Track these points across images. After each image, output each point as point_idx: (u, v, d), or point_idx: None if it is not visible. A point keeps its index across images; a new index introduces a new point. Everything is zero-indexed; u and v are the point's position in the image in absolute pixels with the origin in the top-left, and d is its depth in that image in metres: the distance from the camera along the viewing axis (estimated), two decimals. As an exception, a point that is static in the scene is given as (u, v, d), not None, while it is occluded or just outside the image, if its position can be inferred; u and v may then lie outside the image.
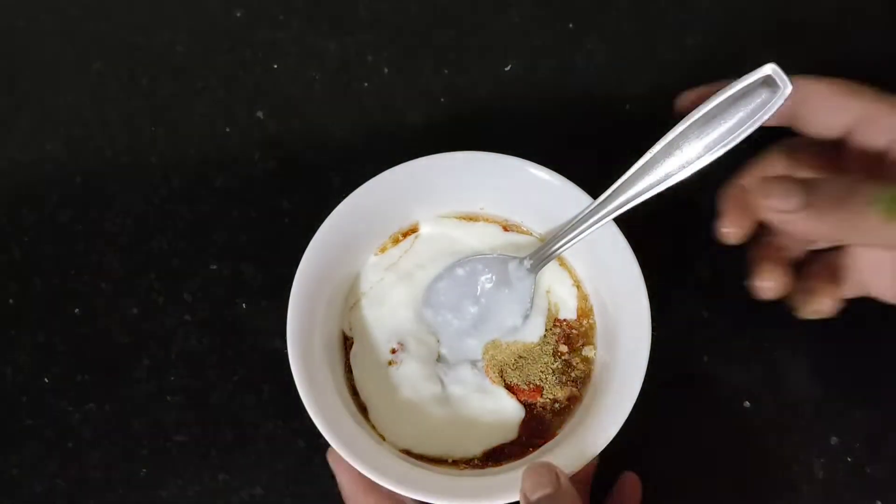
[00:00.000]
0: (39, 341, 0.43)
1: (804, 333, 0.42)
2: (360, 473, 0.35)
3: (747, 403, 0.42)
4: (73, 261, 0.44)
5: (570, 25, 0.48)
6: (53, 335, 0.43)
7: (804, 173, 0.37)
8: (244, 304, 0.44)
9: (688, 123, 0.35)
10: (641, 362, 0.36)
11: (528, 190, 0.40)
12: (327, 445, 0.42)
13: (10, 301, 0.44)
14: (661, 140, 0.35)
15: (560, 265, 0.42)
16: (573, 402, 0.40)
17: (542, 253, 0.40)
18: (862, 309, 0.43)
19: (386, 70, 0.47)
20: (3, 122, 0.46)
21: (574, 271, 0.42)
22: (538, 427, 0.39)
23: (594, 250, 0.40)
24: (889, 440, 0.42)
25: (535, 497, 0.32)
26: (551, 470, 0.33)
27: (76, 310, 0.44)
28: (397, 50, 0.47)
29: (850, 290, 0.38)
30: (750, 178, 0.38)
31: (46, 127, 0.46)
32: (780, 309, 0.42)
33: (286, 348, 0.43)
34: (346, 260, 0.41)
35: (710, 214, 0.37)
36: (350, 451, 0.35)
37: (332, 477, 0.41)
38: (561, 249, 0.39)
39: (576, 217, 0.38)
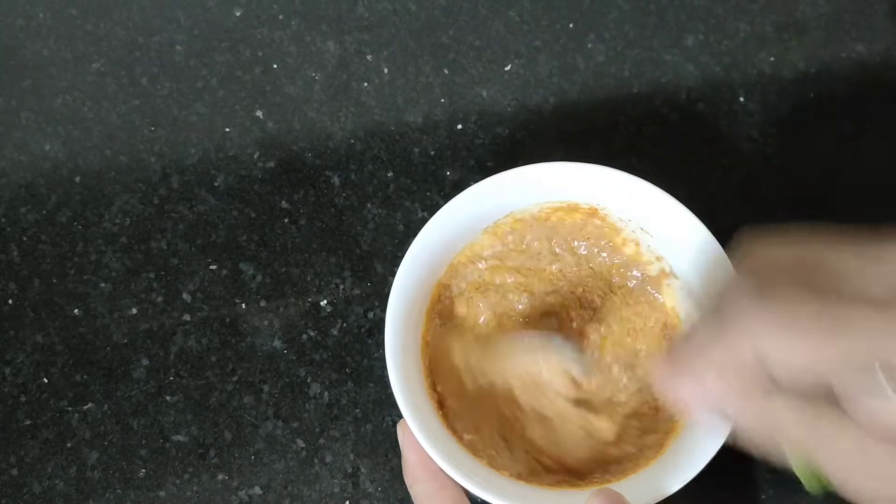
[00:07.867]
0: (38, 341, 0.43)
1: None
2: (427, 456, 0.34)
3: (747, 404, 0.42)
4: (73, 261, 0.44)
5: (570, 25, 0.48)
6: (52, 335, 0.43)
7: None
8: (243, 304, 0.44)
9: None
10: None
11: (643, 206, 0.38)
12: (327, 446, 0.42)
13: (10, 301, 0.44)
14: None
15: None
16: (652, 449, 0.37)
17: None
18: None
19: (386, 70, 0.47)
20: (3, 122, 0.46)
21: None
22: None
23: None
24: (890, 441, 0.41)
25: None
26: (622, 501, 0.32)
27: (75, 310, 0.44)
28: (397, 50, 0.47)
29: None
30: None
31: (46, 127, 0.46)
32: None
33: (285, 348, 0.43)
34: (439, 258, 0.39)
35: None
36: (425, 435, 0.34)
37: (332, 477, 0.41)
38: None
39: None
